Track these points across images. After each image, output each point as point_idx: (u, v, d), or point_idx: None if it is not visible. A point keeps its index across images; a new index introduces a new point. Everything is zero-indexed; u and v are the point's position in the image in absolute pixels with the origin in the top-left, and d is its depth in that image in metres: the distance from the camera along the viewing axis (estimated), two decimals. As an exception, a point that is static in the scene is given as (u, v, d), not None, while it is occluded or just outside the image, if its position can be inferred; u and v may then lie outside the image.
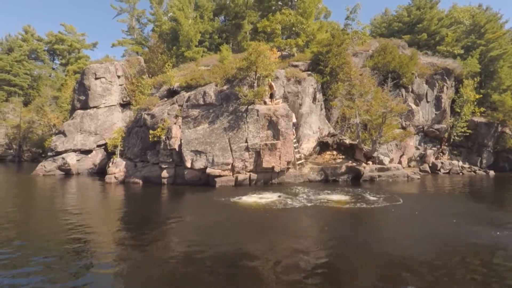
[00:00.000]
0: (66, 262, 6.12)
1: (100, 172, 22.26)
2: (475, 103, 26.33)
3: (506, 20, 32.36)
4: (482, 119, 26.81)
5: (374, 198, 12.68)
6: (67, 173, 22.24)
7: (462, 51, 29.88)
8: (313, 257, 6.40)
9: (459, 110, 26.09)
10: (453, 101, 26.66)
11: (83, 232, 8.10)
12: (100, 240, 7.51)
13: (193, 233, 8.21)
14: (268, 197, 12.81)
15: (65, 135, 23.37)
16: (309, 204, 11.38)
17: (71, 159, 22.61)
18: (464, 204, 12.47)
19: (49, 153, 23.19)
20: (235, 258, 6.25)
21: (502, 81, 28.21)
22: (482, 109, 26.77)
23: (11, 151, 38.95)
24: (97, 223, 9.37)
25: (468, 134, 25.91)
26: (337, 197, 12.86)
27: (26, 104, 43.75)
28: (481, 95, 26.51)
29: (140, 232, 8.14)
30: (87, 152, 23.48)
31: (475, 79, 26.51)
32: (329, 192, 14.06)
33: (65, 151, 22.92)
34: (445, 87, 26.03)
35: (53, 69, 51.90)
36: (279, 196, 13.00)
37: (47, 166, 22.43)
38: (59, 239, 7.56)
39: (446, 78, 26.12)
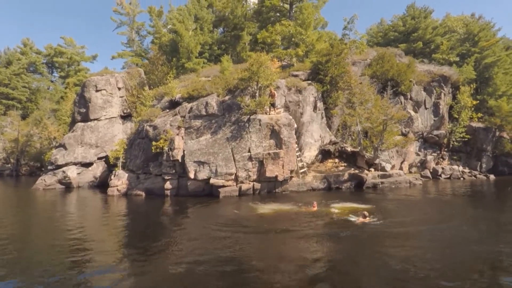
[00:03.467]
0: (66, 278, 5.98)
1: (101, 185, 22.07)
2: (472, 109, 26.73)
3: (498, 28, 33.11)
4: (480, 124, 27.16)
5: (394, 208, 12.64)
6: (68, 186, 22.01)
7: (457, 59, 30.45)
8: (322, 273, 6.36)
9: (457, 116, 26.42)
10: (451, 107, 27.02)
11: (85, 247, 8.01)
12: (102, 256, 7.40)
13: (199, 249, 7.89)
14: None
15: (65, 148, 23.24)
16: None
17: (72, 172, 22.43)
18: (491, 212, 12.30)
19: (49, 167, 22.99)
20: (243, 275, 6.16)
21: (497, 87, 28.72)
22: (480, 114, 27.16)
23: (9, 165, 38.56)
24: (100, 237, 9.27)
25: (467, 139, 26.20)
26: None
27: (24, 117, 43.54)
28: (477, 101, 26.96)
29: (143, 247, 7.99)
30: (88, 165, 23.32)
31: (471, 86, 26.98)
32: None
33: (66, 164, 22.74)
34: (442, 94, 26.41)
35: (52, 81, 51.91)
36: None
37: (47, 179, 22.21)
38: (60, 255, 7.46)
39: (443, 85, 26.54)
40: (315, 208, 11.97)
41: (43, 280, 5.85)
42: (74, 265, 6.68)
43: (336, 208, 12.26)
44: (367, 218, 9.90)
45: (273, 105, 17.91)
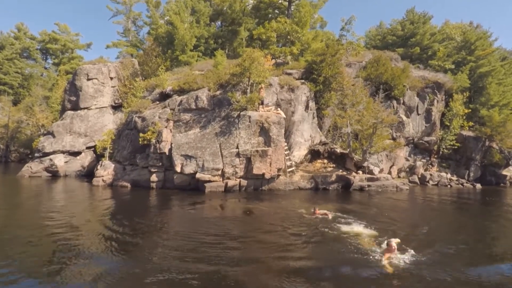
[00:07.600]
0: (44, 274, 5.84)
1: (88, 174, 21.81)
2: (464, 117, 26.79)
3: (495, 38, 33.30)
4: (471, 133, 27.24)
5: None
6: (54, 175, 21.73)
7: (453, 66, 30.50)
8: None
9: (448, 124, 26.49)
10: (443, 115, 27.08)
11: (64, 240, 7.85)
12: (81, 249, 7.26)
13: (181, 243, 7.86)
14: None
15: (53, 136, 22.92)
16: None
17: (59, 160, 22.14)
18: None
19: (36, 154, 22.66)
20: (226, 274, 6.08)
21: (490, 97, 28.79)
22: (471, 123, 27.23)
23: (-2, 151, 37.96)
24: (79, 229, 9.07)
25: (456, 147, 26.28)
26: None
27: (15, 103, 42.84)
28: (470, 110, 27.02)
29: (125, 240, 7.89)
30: (76, 154, 23.04)
31: (465, 94, 27.04)
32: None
33: (53, 152, 22.43)
34: (435, 101, 26.46)
35: (45, 68, 51.08)
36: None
37: (33, 167, 21.89)
38: (39, 248, 7.30)
39: (436, 91, 26.59)
40: (318, 214, 10.64)
41: (17, 272, 5.75)
42: (51, 258, 6.54)
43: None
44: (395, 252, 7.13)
45: (262, 102, 17.78)
